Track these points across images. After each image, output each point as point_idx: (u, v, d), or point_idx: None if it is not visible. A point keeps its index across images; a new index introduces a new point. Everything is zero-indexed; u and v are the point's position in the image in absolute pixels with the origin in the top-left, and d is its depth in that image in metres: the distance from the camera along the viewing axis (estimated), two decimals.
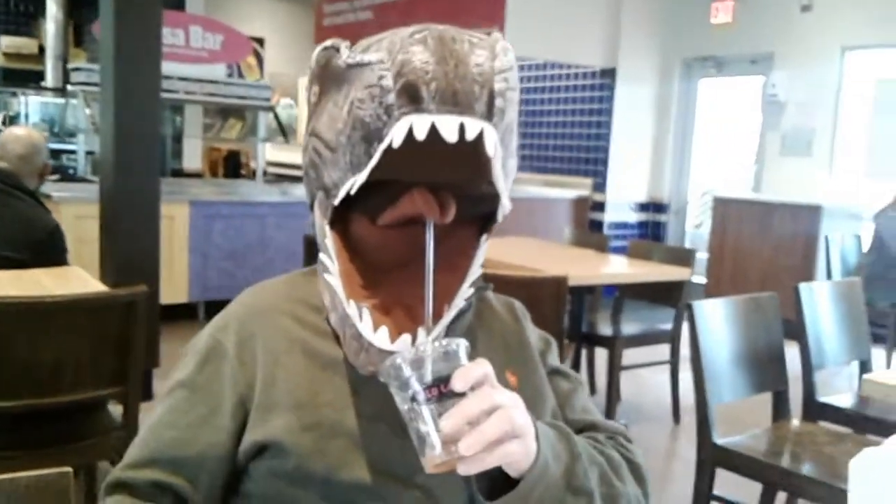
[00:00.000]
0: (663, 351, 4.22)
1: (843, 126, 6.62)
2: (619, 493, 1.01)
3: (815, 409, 2.89)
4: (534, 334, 1.17)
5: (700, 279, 6.67)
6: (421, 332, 0.92)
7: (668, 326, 4.14)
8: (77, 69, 5.94)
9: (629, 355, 4.06)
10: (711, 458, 2.49)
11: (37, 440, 2.31)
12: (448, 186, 0.98)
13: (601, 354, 4.19)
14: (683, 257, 4.12)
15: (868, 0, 6.24)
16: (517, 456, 0.85)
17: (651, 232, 7.74)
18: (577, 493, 0.94)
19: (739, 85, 7.73)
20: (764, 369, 2.69)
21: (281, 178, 8.30)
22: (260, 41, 10.41)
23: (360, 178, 0.89)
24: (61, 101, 7.88)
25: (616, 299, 4.44)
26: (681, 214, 7.81)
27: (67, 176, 6.66)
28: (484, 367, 0.83)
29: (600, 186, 7.44)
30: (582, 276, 3.62)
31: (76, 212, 4.79)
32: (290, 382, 0.97)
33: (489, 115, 0.86)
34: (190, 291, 5.61)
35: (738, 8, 7.06)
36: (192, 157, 8.64)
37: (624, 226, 7.54)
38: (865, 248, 5.54)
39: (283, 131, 7.07)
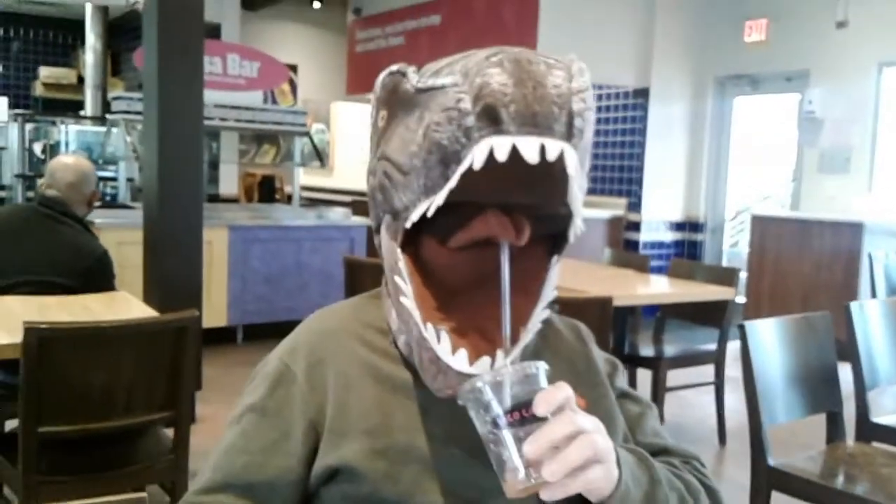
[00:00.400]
0: (704, 371, 4.16)
1: (882, 142, 6.54)
2: None
3: (868, 430, 2.83)
4: (600, 357, 1.15)
5: (740, 298, 6.60)
6: (500, 354, 0.91)
7: (711, 347, 4.09)
8: (118, 98, 6.04)
9: (671, 376, 4.02)
10: (767, 480, 2.45)
11: (89, 465, 2.33)
12: (521, 208, 0.97)
13: (642, 375, 4.15)
14: (726, 277, 4.07)
15: None
16: (600, 482, 0.84)
17: (687, 251, 7.69)
18: None
19: (775, 102, 7.67)
20: (817, 390, 2.64)
21: (314, 203, 8.36)
22: (293, 67, 10.53)
23: (438, 199, 0.88)
24: (100, 129, 8.01)
25: (658, 319, 4.40)
26: (717, 233, 7.74)
27: (109, 203, 6.77)
28: (565, 390, 0.82)
29: (635, 206, 7.41)
30: (627, 297, 3.60)
31: (118, 238, 4.85)
32: (361, 407, 0.97)
33: (569, 135, 0.86)
34: (229, 315, 5.66)
35: (772, 26, 7.02)
36: (228, 182, 8.75)
37: (660, 245, 7.49)
38: None
39: (320, 156, 7.12)
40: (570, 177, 0.87)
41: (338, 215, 6.43)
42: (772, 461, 2.45)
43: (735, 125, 7.69)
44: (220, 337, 5.54)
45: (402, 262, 0.95)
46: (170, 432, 2.48)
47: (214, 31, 8.43)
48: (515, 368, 0.82)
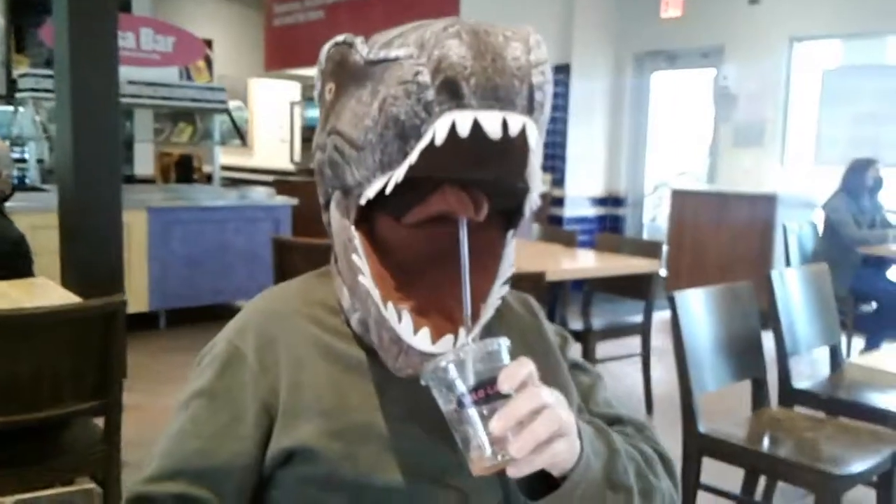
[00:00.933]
0: (630, 343, 4.26)
1: (793, 116, 6.77)
2: (655, 488, 1.01)
3: (790, 395, 2.95)
4: (550, 329, 1.16)
5: (662, 271, 6.77)
6: (461, 332, 0.90)
7: (637, 318, 4.19)
8: (25, 75, 5.77)
9: (598, 348, 4.10)
10: (698, 447, 2.52)
11: (16, 458, 2.24)
12: (478, 183, 0.96)
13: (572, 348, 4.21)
14: (651, 250, 4.17)
15: None
16: (564, 455, 0.84)
17: (609, 226, 7.83)
18: (616, 488, 0.94)
19: (691, 78, 7.85)
20: (743, 357, 2.73)
21: (235, 182, 8.19)
22: (209, 43, 10.24)
23: (398, 174, 0.86)
24: (6, 108, 7.63)
25: (585, 293, 4.48)
26: (638, 207, 7.91)
27: (18, 185, 6.47)
28: (528, 366, 0.82)
29: (559, 182, 7.49)
30: (559, 271, 3.64)
31: (30, 222, 4.63)
32: (315, 387, 0.95)
33: (530, 109, 0.84)
34: (150, 300, 5.50)
35: (687, 2, 7.16)
36: (144, 162, 8.48)
37: (583, 220, 7.60)
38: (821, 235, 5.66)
39: (241, 134, 6.97)
40: (530, 151, 0.86)
41: (261, 195, 6.31)
42: (702, 428, 2.52)
43: (654, 100, 7.83)
44: (142, 323, 5.39)
45: (358, 240, 0.93)
46: (99, 422, 2.40)
47: (125, 5, 8.12)
48: (478, 346, 0.81)
